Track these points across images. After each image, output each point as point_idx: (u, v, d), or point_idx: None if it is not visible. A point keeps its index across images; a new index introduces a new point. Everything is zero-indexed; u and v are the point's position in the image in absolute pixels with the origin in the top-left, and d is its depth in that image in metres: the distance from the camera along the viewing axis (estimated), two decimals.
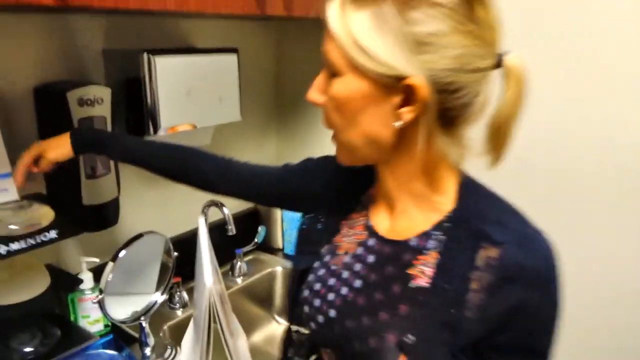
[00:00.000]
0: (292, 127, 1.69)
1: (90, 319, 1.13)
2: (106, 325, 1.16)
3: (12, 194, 0.98)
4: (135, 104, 1.14)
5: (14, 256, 0.90)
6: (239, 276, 1.48)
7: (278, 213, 1.62)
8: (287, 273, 1.53)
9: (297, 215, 1.53)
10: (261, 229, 1.57)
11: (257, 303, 1.51)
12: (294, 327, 0.73)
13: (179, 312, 1.29)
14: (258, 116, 1.63)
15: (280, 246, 1.64)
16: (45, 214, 0.93)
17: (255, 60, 1.56)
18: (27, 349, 1.01)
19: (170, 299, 1.29)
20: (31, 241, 0.90)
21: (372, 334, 0.61)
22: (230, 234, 1.18)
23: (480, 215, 0.60)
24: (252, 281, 1.49)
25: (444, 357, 0.57)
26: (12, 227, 0.88)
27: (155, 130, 1.14)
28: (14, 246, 0.88)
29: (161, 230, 1.31)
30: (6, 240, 0.87)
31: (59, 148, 0.94)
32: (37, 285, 1.00)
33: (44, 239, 0.92)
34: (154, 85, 1.12)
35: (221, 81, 1.28)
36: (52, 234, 0.93)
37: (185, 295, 1.31)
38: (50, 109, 1.04)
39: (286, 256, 1.61)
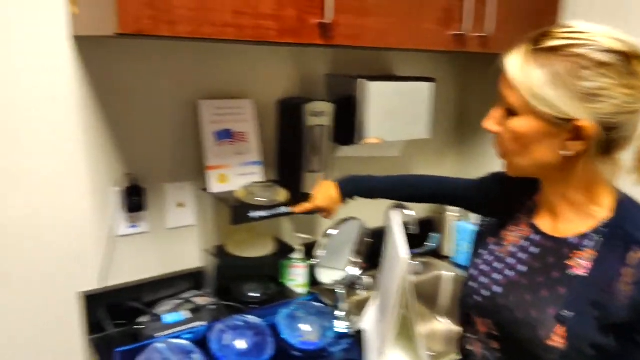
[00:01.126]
0: (469, 146, 1.86)
1: (295, 282, 1.45)
2: (307, 291, 1.46)
3: (260, 178, 1.34)
4: (347, 118, 1.44)
5: (258, 222, 1.25)
6: (411, 274, 1.69)
7: (451, 223, 1.79)
8: (454, 278, 1.70)
9: (468, 226, 1.69)
10: (434, 236, 1.76)
11: (422, 301, 1.70)
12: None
13: (364, 293, 1.54)
14: (441, 135, 1.84)
15: (450, 254, 1.81)
16: (282, 194, 1.26)
17: (442, 86, 1.78)
18: (254, 294, 1.36)
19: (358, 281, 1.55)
20: (272, 212, 1.24)
21: (533, 306, 0.78)
22: (412, 232, 1.40)
23: (633, 224, 0.74)
24: (421, 280, 1.69)
25: (594, 331, 0.71)
26: (260, 199, 1.22)
27: (360, 140, 1.43)
28: (262, 214, 1.22)
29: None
30: (257, 208, 1.21)
31: (333, 203, 1.18)
32: (265, 249, 1.34)
33: (280, 211, 1.25)
34: (365, 104, 1.40)
35: (416, 104, 1.52)
36: (284, 209, 1.26)
37: (366, 279, 1.57)
38: (290, 117, 1.39)
39: (454, 264, 1.77)
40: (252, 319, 1.18)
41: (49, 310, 1.18)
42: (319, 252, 1.25)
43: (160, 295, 1.31)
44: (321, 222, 1.60)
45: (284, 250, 1.41)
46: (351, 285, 1.39)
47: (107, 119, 1.17)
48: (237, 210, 1.18)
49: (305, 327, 1.19)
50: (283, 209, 1.25)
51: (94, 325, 1.21)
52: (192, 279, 1.36)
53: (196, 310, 1.20)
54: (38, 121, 1.09)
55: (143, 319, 1.23)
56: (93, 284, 1.22)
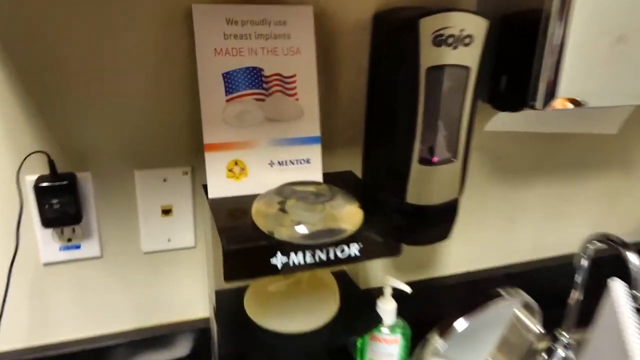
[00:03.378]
0: None
1: None
2: None
3: (315, 171, 0.65)
4: (517, 56, 0.67)
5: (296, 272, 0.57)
6: None
7: None
8: None
9: None
10: None
11: None
12: None
13: None
14: None
15: None
16: (349, 215, 0.57)
17: None
18: None
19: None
20: (320, 256, 0.56)
21: None
22: None
23: None
24: None
25: None
26: (300, 229, 0.54)
27: (547, 102, 0.65)
28: (295, 258, 0.55)
29: (502, 252, 0.84)
30: (288, 248, 0.54)
31: None
32: (321, 311, 0.68)
33: (339, 254, 0.57)
34: (563, 24, 0.62)
35: None
36: (353, 249, 0.57)
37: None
38: (392, 46, 0.66)
39: None
40: None
41: None
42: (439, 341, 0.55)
43: None
44: (437, 261, 0.88)
45: (359, 310, 0.73)
46: None
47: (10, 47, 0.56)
48: (232, 258, 0.53)
49: None
50: (350, 249, 0.56)
51: None
52: (189, 340, 0.76)
53: None
54: None
55: None
56: (7, 344, 0.67)
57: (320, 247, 0.56)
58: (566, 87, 0.65)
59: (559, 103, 0.65)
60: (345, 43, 0.69)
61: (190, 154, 0.67)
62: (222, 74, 0.60)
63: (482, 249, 0.90)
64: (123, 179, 0.66)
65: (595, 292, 0.81)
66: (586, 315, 0.81)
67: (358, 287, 0.75)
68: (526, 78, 0.66)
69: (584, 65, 0.65)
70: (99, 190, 0.65)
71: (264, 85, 0.62)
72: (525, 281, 0.92)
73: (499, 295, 0.56)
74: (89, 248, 0.67)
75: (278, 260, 0.55)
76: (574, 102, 0.67)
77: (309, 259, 0.56)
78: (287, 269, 0.55)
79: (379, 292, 0.75)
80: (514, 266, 0.94)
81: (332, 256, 0.57)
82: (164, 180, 0.67)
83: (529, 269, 0.94)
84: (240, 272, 0.54)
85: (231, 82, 0.61)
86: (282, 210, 0.57)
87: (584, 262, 0.80)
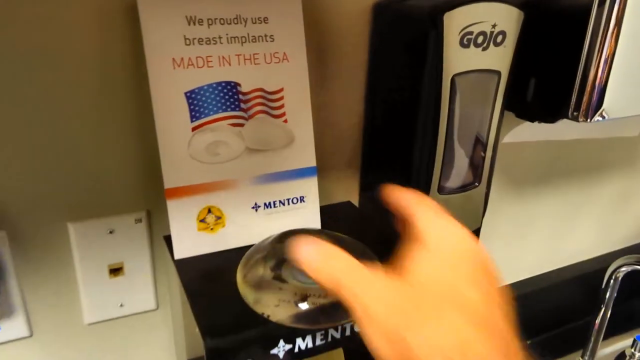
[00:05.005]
0: None
1: None
2: None
3: (312, 211, 0.51)
4: (551, 58, 0.55)
5: None
6: None
7: None
8: None
9: None
10: None
11: None
12: None
13: None
14: None
15: None
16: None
17: None
18: None
19: None
20: (334, 334, 0.42)
21: None
22: None
23: None
24: None
25: None
26: (303, 305, 0.40)
27: (592, 114, 0.53)
28: (303, 343, 0.41)
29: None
30: (290, 333, 0.40)
31: None
32: None
33: (357, 328, 0.43)
34: (615, 32, 0.50)
35: None
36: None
37: None
38: (400, 47, 0.52)
39: None
40: None
41: None
42: None
43: None
44: None
45: None
46: None
47: None
48: (217, 356, 0.38)
49: None
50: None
51: None
52: None
53: None
54: None
55: None
56: None
57: (329, 321, 0.42)
58: (611, 97, 0.53)
59: (602, 114, 0.54)
60: (344, 42, 0.54)
61: (144, 194, 0.51)
62: (185, 94, 0.44)
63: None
64: (53, 236, 0.48)
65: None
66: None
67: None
68: (565, 85, 0.54)
69: (630, 76, 0.53)
70: (20, 254, 0.48)
71: (242, 106, 0.46)
72: (536, 297, 0.83)
73: None
74: (13, 328, 0.50)
75: (280, 349, 0.40)
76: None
77: (319, 341, 0.42)
78: (293, 357, 0.41)
79: None
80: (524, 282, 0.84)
81: (348, 332, 0.43)
82: (110, 232, 0.51)
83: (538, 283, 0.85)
84: None
85: (198, 103, 0.44)
86: (278, 278, 0.42)
87: (611, 290, 0.70)
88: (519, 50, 0.51)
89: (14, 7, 0.40)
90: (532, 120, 0.59)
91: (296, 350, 0.41)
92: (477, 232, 0.59)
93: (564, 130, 0.71)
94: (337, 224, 0.52)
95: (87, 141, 0.47)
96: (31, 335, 0.51)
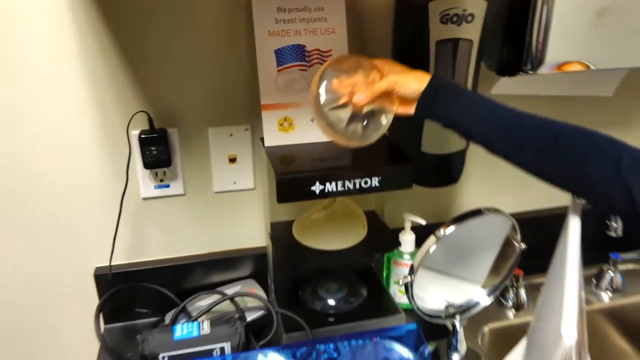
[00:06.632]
0: None
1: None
2: None
3: None
4: (513, 30, 0.82)
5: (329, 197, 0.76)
6: (606, 290, 1.04)
7: None
8: None
9: None
10: None
11: (626, 335, 1.05)
12: None
13: (510, 313, 0.97)
14: None
15: None
16: None
17: None
18: (331, 301, 0.90)
19: (502, 293, 0.98)
20: (349, 185, 0.74)
21: None
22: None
23: None
24: (626, 303, 1.03)
25: None
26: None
27: (537, 66, 0.79)
28: (329, 186, 0.73)
29: (511, 203, 0.99)
30: (322, 177, 0.72)
31: (415, 83, 0.67)
32: (353, 235, 0.86)
33: (363, 185, 0.74)
34: (548, 2, 0.76)
35: None
36: (375, 181, 0.75)
37: (523, 293, 0.98)
38: (409, 24, 0.83)
39: None
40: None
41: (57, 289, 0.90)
42: (417, 260, 0.72)
43: (204, 282, 0.94)
44: (450, 203, 1.04)
45: (386, 237, 0.91)
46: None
47: (112, 31, 0.77)
48: (283, 185, 0.71)
49: None
50: (372, 181, 0.74)
51: (108, 313, 0.91)
52: (249, 264, 0.96)
53: (225, 322, 0.79)
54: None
55: (169, 315, 0.89)
56: (107, 260, 0.89)
57: (350, 178, 0.74)
58: (552, 54, 0.79)
59: (545, 68, 0.80)
60: (372, 23, 0.86)
61: (249, 114, 0.86)
62: (274, 51, 0.79)
63: (494, 199, 1.05)
64: (200, 134, 0.86)
65: None
66: None
67: (383, 222, 0.93)
68: (521, 48, 0.81)
69: (568, 35, 0.78)
70: (183, 142, 0.85)
71: (307, 59, 0.80)
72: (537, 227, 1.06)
73: (480, 211, 0.71)
74: (176, 187, 0.88)
75: (317, 187, 0.73)
76: (580, 64, 0.81)
77: (339, 187, 0.74)
78: (323, 194, 0.73)
79: (402, 223, 0.92)
80: (526, 213, 1.08)
81: (358, 186, 0.74)
82: (230, 135, 0.87)
83: (540, 217, 1.08)
84: (288, 196, 0.73)
85: (281, 56, 0.79)
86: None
87: None
88: (485, 25, 0.79)
89: (187, 4, 0.77)
90: (503, 76, 0.86)
91: (326, 190, 0.73)
92: (463, 152, 0.87)
93: (543, 86, 0.96)
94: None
95: (220, 79, 0.83)
96: (184, 194, 0.89)
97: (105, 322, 0.91)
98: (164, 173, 0.86)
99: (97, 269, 0.89)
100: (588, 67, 0.83)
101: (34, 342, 0.93)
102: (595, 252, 1.04)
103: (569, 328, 0.48)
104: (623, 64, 0.88)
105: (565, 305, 0.51)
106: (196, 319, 0.84)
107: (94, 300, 0.90)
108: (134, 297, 0.91)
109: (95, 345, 0.87)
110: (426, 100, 0.66)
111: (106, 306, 0.90)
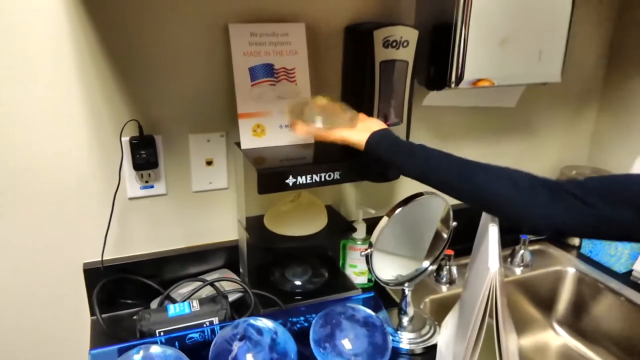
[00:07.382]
0: (621, 99, 1.33)
1: (356, 269, 1.11)
2: (369, 280, 1.12)
3: None
4: (440, 52, 1.03)
5: (300, 189, 0.91)
6: (518, 266, 1.27)
7: None
8: (578, 277, 1.25)
9: None
10: None
11: (534, 302, 1.28)
12: None
13: (444, 288, 1.17)
14: (579, 80, 1.33)
15: (578, 244, 1.34)
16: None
17: (587, 14, 1.26)
18: (297, 282, 1.05)
19: (438, 272, 1.18)
20: (316, 178, 0.90)
21: None
22: None
23: None
24: (533, 275, 1.26)
25: None
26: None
27: (458, 82, 1.01)
28: (300, 179, 0.89)
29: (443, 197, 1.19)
30: (295, 172, 0.88)
31: (362, 135, 0.84)
32: (315, 223, 1.02)
33: (327, 178, 0.91)
34: (464, 30, 0.98)
35: (545, 31, 1.05)
36: (336, 175, 0.91)
37: (454, 270, 1.18)
38: (357, 49, 1.01)
39: (583, 257, 1.30)
40: (272, 326, 0.86)
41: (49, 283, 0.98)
42: (375, 236, 0.90)
43: (183, 272, 1.05)
44: (395, 196, 1.23)
45: (342, 227, 1.08)
46: (423, 281, 1.02)
47: (108, 50, 0.89)
48: (265, 177, 0.86)
49: (346, 343, 0.86)
50: (334, 175, 0.91)
51: (98, 303, 1.00)
52: (223, 256, 1.08)
53: (211, 301, 0.91)
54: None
55: (154, 302, 0.99)
56: (98, 255, 0.98)
57: (317, 172, 0.90)
58: (469, 73, 1.00)
59: (465, 84, 1.01)
60: (327, 46, 1.03)
61: (225, 122, 1.01)
62: (248, 68, 0.94)
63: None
64: (181, 140, 0.99)
65: None
66: None
67: (341, 215, 1.09)
68: (445, 68, 1.01)
69: (479, 58, 1.01)
70: (166, 147, 0.98)
71: (275, 75, 0.96)
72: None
73: (421, 194, 0.91)
74: (159, 188, 1.00)
75: (290, 180, 0.88)
76: (488, 81, 1.03)
77: (308, 180, 0.90)
78: (296, 186, 0.89)
79: (356, 215, 1.09)
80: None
81: (323, 178, 0.91)
82: (208, 141, 1.01)
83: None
84: (267, 188, 0.88)
85: (254, 73, 0.94)
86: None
87: None
88: (417, 49, 0.99)
89: (174, 28, 0.91)
90: (430, 89, 1.06)
91: (297, 182, 0.89)
92: None
93: (462, 99, 1.18)
94: None
95: (202, 92, 0.97)
96: (166, 194, 1.01)
97: (92, 314, 1.00)
98: (149, 175, 0.98)
99: (86, 263, 0.98)
100: (494, 83, 1.05)
101: (27, 335, 0.99)
102: (509, 235, 1.28)
103: (493, 261, 0.66)
104: (521, 81, 1.12)
105: (490, 252, 0.70)
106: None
107: (83, 294, 0.99)
108: (120, 288, 1.01)
109: (86, 335, 0.96)
110: (371, 146, 0.83)
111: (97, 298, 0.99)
